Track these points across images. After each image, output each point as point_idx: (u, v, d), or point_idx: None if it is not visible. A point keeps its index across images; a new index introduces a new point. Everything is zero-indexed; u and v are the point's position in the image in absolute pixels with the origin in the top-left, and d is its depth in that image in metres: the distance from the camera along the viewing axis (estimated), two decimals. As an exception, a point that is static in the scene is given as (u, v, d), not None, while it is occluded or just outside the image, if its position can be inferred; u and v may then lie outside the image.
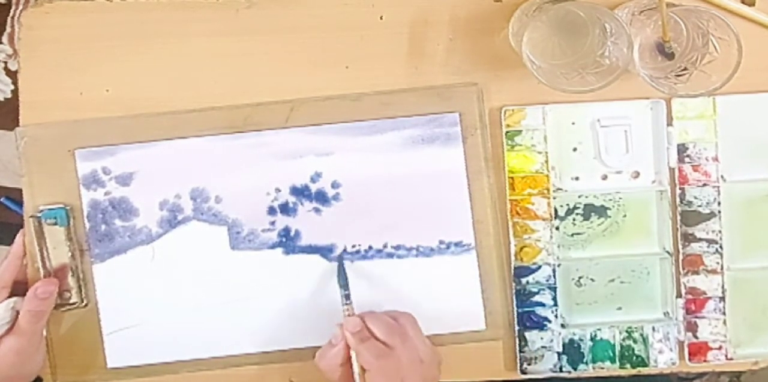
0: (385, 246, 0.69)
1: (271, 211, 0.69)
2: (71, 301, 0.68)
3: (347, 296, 0.66)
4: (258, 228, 0.69)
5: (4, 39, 0.92)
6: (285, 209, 0.69)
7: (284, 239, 0.69)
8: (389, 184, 0.69)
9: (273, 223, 0.69)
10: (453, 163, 0.69)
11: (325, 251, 0.69)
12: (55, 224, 0.67)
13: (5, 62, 0.92)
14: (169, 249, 0.69)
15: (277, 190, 0.69)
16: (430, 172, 0.69)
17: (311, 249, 0.69)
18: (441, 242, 0.69)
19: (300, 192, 0.69)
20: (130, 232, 0.68)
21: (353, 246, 0.69)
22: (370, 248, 0.69)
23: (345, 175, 0.69)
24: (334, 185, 0.69)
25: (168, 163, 0.68)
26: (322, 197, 0.69)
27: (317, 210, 0.69)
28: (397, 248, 0.69)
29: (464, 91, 0.68)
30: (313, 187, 0.69)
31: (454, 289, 0.69)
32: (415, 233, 0.69)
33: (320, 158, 0.69)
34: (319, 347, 0.66)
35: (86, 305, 0.68)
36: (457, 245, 0.69)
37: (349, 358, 0.63)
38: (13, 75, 0.95)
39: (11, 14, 0.87)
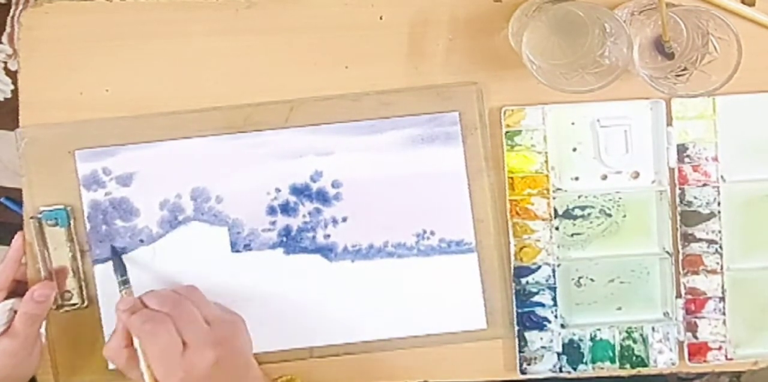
0: (385, 245, 0.69)
1: (272, 210, 0.69)
2: (72, 302, 0.68)
3: (124, 282, 0.66)
4: (258, 228, 0.69)
5: (4, 39, 0.92)
6: (285, 208, 0.69)
7: (285, 239, 0.69)
8: (389, 184, 0.69)
9: (273, 223, 0.69)
10: (453, 162, 0.69)
11: (325, 251, 0.69)
12: (56, 224, 0.67)
13: (5, 62, 0.92)
14: (170, 250, 0.69)
15: (277, 189, 0.69)
16: (430, 172, 0.69)
17: (311, 249, 0.69)
18: (441, 242, 0.69)
19: (300, 192, 0.69)
20: (130, 232, 0.68)
21: (353, 246, 0.69)
22: (371, 247, 0.69)
23: (345, 174, 0.69)
24: (335, 185, 0.69)
25: (168, 163, 0.68)
26: (322, 197, 0.69)
27: (318, 210, 0.69)
28: (398, 247, 0.69)
29: (464, 91, 0.68)
30: (314, 187, 0.69)
31: (454, 288, 0.69)
32: (416, 232, 0.69)
33: (320, 158, 0.69)
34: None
35: (87, 306, 0.68)
36: (457, 244, 0.69)
37: (131, 339, 0.62)
38: (13, 75, 0.94)
39: (11, 14, 0.87)
